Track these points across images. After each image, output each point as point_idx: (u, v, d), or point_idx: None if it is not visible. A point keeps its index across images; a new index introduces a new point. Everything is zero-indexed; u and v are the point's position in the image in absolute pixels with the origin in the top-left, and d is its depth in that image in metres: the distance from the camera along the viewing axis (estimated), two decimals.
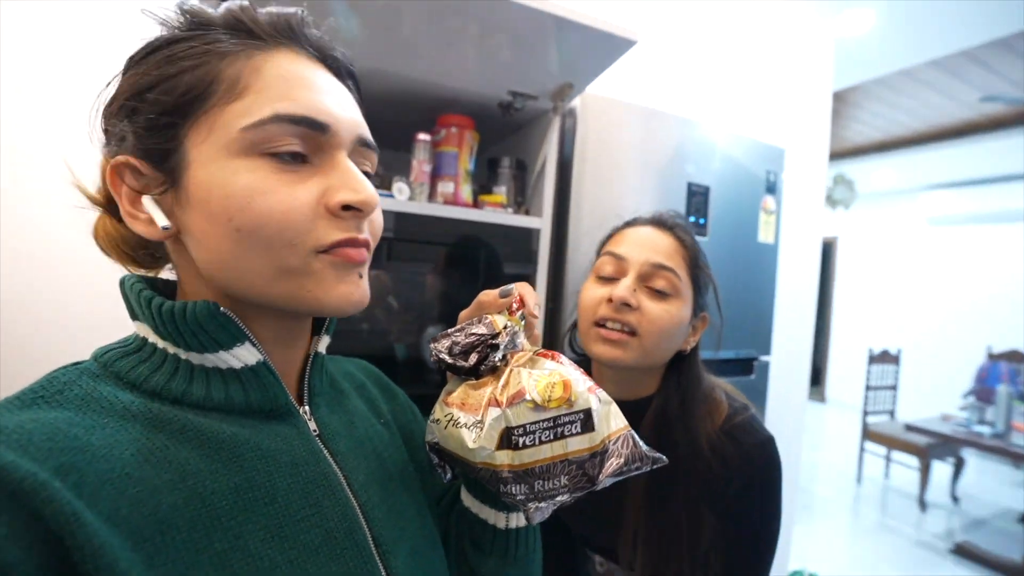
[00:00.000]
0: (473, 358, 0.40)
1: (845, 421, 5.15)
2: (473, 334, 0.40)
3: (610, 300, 0.65)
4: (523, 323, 0.42)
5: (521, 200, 1.11)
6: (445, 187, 1.02)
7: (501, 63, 0.92)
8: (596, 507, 0.71)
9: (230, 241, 0.33)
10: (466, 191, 1.04)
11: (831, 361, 5.95)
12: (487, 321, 0.41)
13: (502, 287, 0.43)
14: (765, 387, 1.41)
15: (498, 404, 0.37)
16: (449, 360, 0.40)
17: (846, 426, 4.93)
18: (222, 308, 0.34)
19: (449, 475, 0.43)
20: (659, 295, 0.66)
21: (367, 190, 0.35)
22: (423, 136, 0.99)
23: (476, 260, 1.01)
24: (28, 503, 0.24)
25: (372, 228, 0.38)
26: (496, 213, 1.02)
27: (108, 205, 0.39)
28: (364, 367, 0.55)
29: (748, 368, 1.36)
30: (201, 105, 0.34)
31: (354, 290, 0.36)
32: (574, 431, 0.37)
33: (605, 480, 0.38)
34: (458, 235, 0.99)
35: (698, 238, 1.25)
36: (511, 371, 0.39)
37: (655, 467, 0.39)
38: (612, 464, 0.38)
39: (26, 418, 0.28)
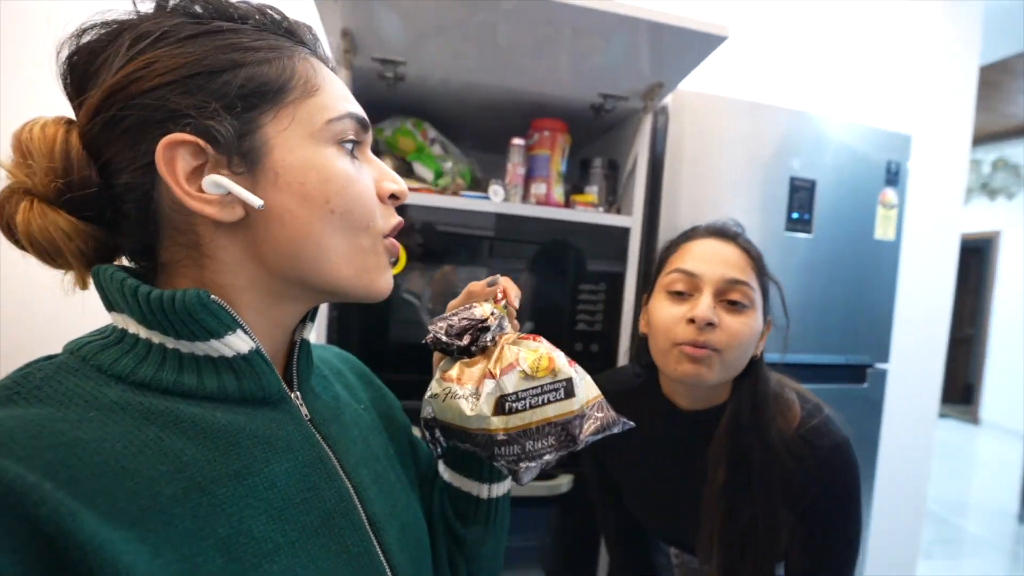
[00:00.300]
0: (466, 339, 0.45)
1: (1004, 448, 4.41)
2: (465, 318, 0.46)
3: (691, 320, 0.64)
4: (506, 311, 0.48)
5: (612, 199, 1.13)
6: (538, 188, 1.08)
7: (592, 67, 0.95)
8: (673, 504, 0.73)
9: (321, 222, 0.36)
10: (558, 192, 1.09)
11: (987, 377, 5.11)
12: (476, 307, 0.47)
13: (488, 278, 0.50)
14: (881, 397, 1.28)
15: (492, 376, 0.43)
16: (445, 340, 0.45)
17: (1006, 453, 4.22)
18: (212, 296, 0.33)
19: (441, 449, 0.47)
20: (736, 308, 0.65)
21: (401, 182, 0.42)
22: (517, 141, 1.06)
23: (566, 258, 1.06)
24: (19, 507, 0.24)
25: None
26: (587, 212, 1.05)
27: (51, 189, 0.32)
28: (340, 354, 0.56)
29: (859, 375, 1.25)
30: (285, 96, 0.36)
31: (391, 276, 0.41)
32: (559, 397, 0.44)
33: (585, 439, 0.44)
34: (550, 234, 1.04)
35: (802, 235, 1.19)
36: (502, 348, 0.45)
37: (625, 429, 0.46)
38: (591, 426, 0.45)
39: (4, 416, 0.27)
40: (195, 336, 0.33)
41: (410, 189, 1.01)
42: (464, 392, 0.44)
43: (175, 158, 0.33)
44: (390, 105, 1.15)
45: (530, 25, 0.85)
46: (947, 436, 4.71)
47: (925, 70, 1.67)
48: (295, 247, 0.36)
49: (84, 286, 0.35)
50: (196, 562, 0.29)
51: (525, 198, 1.09)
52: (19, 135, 0.33)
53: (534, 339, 0.47)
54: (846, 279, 1.22)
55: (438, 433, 0.47)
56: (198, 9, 0.35)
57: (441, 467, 0.56)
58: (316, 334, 0.99)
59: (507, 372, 0.43)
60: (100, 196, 0.34)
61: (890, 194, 1.22)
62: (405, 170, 1.13)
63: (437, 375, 0.47)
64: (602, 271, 1.07)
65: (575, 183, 1.18)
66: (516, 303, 0.50)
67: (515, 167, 1.06)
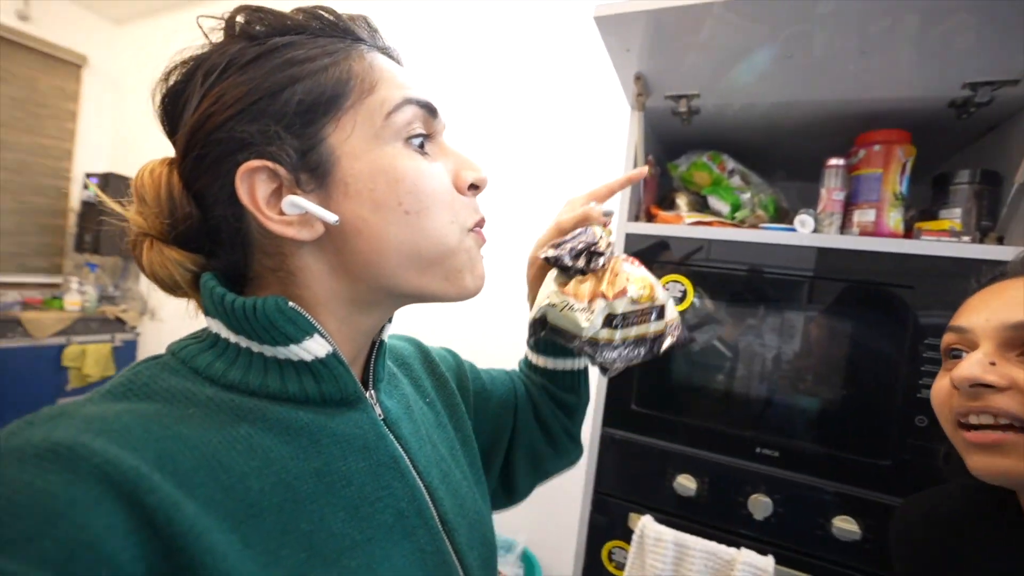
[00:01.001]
0: (581, 261, 0.53)
1: None
2: (582, 242, 0.54)
3: (956, 386, 0.49)
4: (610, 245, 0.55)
5: (988, 224, 0.83)
6: (863, 215, 0.88)
7: (952, 53, 0.73)
8: None
9: (397, 225, 0.35)
10: (893, 218, 0.86)
11: None
12: (590, 232, 0.54)
13: (604, 209, 0.57)
14: None
15: (605, 297, 0.51)
16: (568, 261, 0.53)
17: None
18: (290, 303, 0.34)
19: (539, 335, 0.56)
20: None
21: (482, 169, 0.39)
22: (835, 161, 0.89)
23: (903, 305, 0.81)
24: (133, 494, 0.25)
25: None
26: (942, 243, 0.80)
27: (163, 228, 0.35)
28: (408, 341, 0.56)
29: None
30: (343, 102, 0.35)
31: (483, 269, 0.40)
32: (654, 318, 0.54)
33: (662, 350, 0.54)
34: (882, 273, 0.83)
35: None
36: (613, 272, 0.53)
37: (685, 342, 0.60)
38: (668, 341, 0.54)
39: (121, 409, 0.29)
40: (276, 341, 0.34)
41: (700, 223, 0.98)
42: (579, 307, 0.51)
43: (253, 185, 0.34)
44: (686, 141, 1.14)
45: (857, 24, 0.71)
46: None
47: None
48: (376, 256, 0.35)
49: (206, 313, 0.37)
50: (281, 555, 0.30)
51: (844, 228, 0.90)
52: (135, 181, 0.36)
53: (633, 262, 0.55)
54: None
55: (543, 332, 0.56)
56: (258, 29, 0.35)
57: (540, 360, 0.63)
58: None
59: (618, 297, 0.51)
60: (200, 228, 0.36)
61: None
62: (700, 205, 1.10)
63: (554, 287, 0.54)
64: (941, 324, 0.78)
65: (925, 206, 0.92)
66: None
67: (830, 192, 0.89)
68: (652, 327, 0.53)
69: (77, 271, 3.14)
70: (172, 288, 0.37)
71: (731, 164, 1.08)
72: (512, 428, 0.61)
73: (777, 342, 0.92)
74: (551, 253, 0.54)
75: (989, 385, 0.47)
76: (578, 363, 0.64)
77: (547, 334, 0.55)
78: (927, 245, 0.80)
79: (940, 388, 0.53)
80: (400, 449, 0.41)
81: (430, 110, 0.38)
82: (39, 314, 2.72)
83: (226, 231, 0.36)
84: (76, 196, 3.12)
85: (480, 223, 0.40)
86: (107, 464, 0.25)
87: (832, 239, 0.85)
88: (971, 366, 0.48)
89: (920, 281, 0.80)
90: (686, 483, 0.93)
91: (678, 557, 0.88)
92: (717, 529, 0.90)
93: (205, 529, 0.27)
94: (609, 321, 0.51)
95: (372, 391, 0.42)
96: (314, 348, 0.35)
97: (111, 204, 0.36)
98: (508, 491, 0.63)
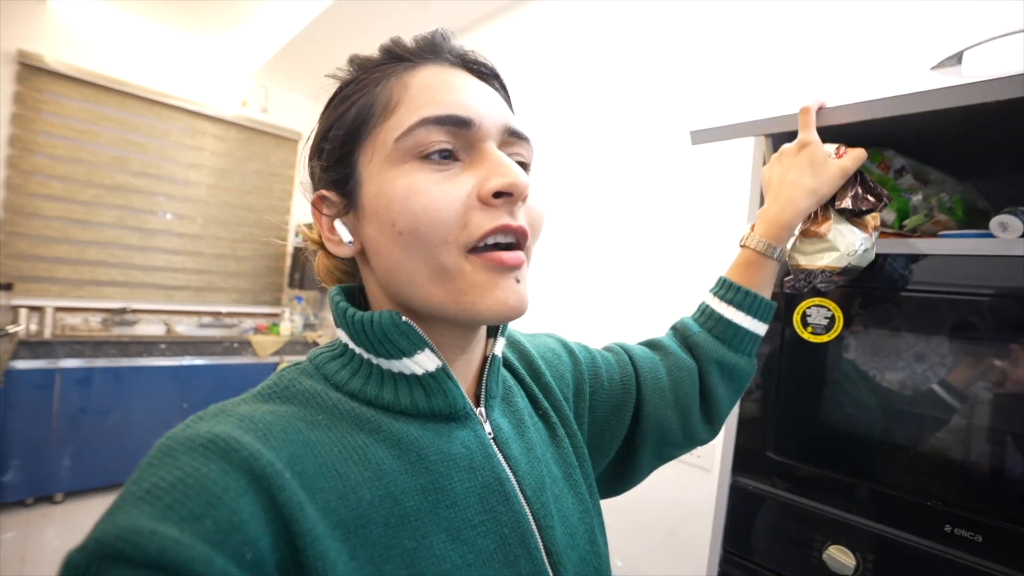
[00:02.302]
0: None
1: None
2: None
3: None
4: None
5: None
6: None
7: None
8: None
9: (396, 246, 0.35)
10: None
11: None
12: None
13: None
14: None
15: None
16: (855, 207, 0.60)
17: None
18: (403, 317, 0.36)
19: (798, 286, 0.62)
20: None
21: (515, 173, 0.35)
22: None
23: None
24: (270, 488, 0.28)
25: (530, 219, 0.38)
26: None
27: (321, 242, 0.44)
28: (539, 342, 0.54)
29: None
30: (366, 129, 0.37)
31: (510, 295, 0.35)
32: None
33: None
34: None
35: None
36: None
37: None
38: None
39: (266, 410, 0.32)
40: (390, 354, 0.36)
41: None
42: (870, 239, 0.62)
43: (319, 212, 0.40)
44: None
45: None
46: None
47: None
48: (389, 276, 0.37)
49: (337, 324, 0.42)
50: (384, 569, 0.30)
51: None
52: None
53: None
54: None
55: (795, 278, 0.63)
56: (346, 72, 0.41)
57: (740, 316, 0.59)
58: None
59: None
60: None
61: None
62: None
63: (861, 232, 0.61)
64: None
65: None
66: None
67: None
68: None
69: (289, 303, 3.86)
70: (325, 281, 0.45)
71: (899, 162, 0.87)
72: (636, 413, 0.57)
73: (970, 383, 0.69)
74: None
75: None
76: (762, 327, 0.62)
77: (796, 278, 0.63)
78: None
79: None
80: (508, 471, 0.40)
81: (455, 123, 0.36)
82: (263, 337, 3.42)
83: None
84: (291, 243, 3.88)
85: (496, 231, 0.35)
86: (251, 457, 0.28)
87: None
88: None
89: None
90: (841, 558, 0.74)
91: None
92: None
93: (320, 535, 0.28)
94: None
95: (483, 408, 0.42)
96: (424, 362, 0.37)
97: (302, 229, 0.45)
98: (623, 477, 0.60)
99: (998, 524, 0.64)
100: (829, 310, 0.80)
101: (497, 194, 0.35)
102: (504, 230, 0.35)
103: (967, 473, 0.68)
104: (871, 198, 0.58)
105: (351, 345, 0.38)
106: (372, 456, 0.34)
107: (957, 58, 0.71)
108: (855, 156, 0.59)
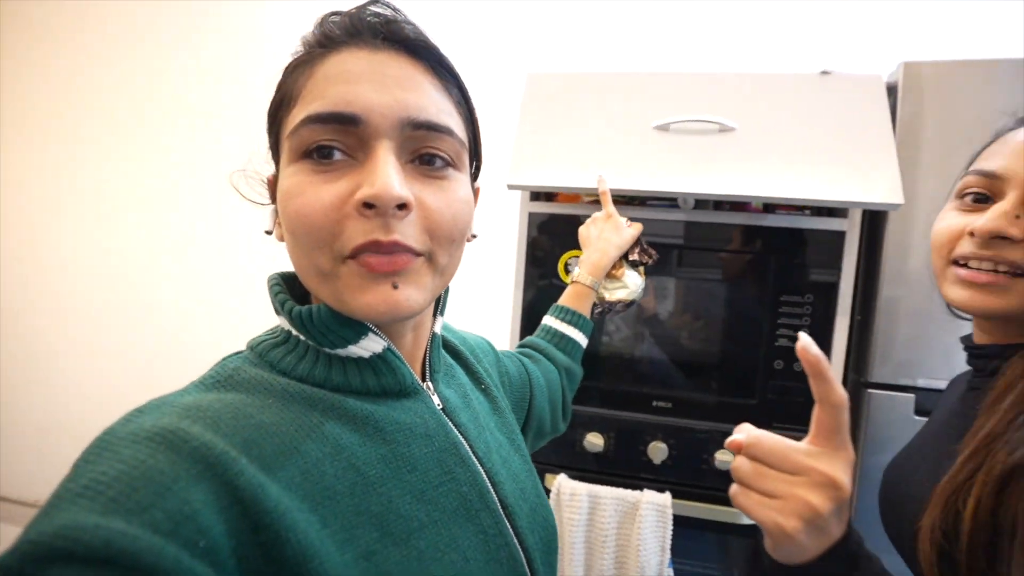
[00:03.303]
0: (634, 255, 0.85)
1: None
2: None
3: (972, 234, 0.51)
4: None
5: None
6: None
7: None
8: (909, 466, 0.59)
9: (289, 241, 0.36)
10: None
11: None
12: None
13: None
14: None
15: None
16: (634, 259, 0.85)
17: None
18: (340, 311, 0.36)
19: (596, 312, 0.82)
20: None
21: (382, 182, 0.32)
22: None
23: (767, 268, 0.97)
24: (225, 475, 0.28)
25: (428, 224, 0.36)
26: (792, 217, 0.95)
27: None
28: (462, 336, 0.58)
29: None
30: (278, 122, 0.37)
31: (380, 301, 0.34)
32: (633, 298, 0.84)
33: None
34: (750, 242, 0.97)
35: None
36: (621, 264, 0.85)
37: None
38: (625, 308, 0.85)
39: (212, 399, 0.32)
40: (335, 344, 0.37)
41: (594, 201, 1.04)
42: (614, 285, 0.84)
43: (272, 190, 0.41)
44: None
45: None
46: None
47: None
48: (295, 269, 0.38)
49: (276, 312, 0.41)
50: (356, 533, 0.32)
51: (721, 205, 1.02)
52: None
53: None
54: None
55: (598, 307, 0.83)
56: (302, 41, 0.39)
57: (576, 334, 0.78)
58: (509, 343, 1.08)
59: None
60: None
61: None
62: None
63: (610, 273, 0.84)
64: (813, 280, 0.95)
65: None
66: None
67: None
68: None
69: None
70: None
71: None
72: (528, 408, 0.67)
73: (666, 307, 1.03)
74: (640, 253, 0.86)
75: (1008, 238, 0.48)
76: (584, 339, 0.81)
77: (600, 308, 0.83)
78: (782, 219, 0.94)
79: (947, 227, 0.55)
80: (460, 436, 0.42)
81: (339, 120, 0.33)
82: None
83: None
84: None
85: (367, 248, 0.33)
86: (203, 447, 0.28)
87: (711, 214, 0.97)
88: (997, 219, 0.49)
89: (787, 245, 0.95)
90: (595, 440, 1.02)
91: (591, 507, 0.98)
92: (623, 477, 1.01)
93: (288, 509, 0.29)
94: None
95: (429, 382, 0.44)
96: (370, 345, 0.38)
97: (245, 198, 0.44)
98: None
99: (680, 395, 1.01)
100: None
101: (368, 204, 0.33)
102: (373, 247, 0.33)
103: (661, 367, 1.02)
104: (647, 255, 0.85)
105: (294, 332, 0.38)
106: (329, 433, 0.34)
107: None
108: (638, 227, 0.85)
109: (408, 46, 0.37)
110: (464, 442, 0.42)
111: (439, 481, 0.38)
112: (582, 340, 0.80)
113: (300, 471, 0.31)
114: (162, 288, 1.79)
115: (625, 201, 1.03)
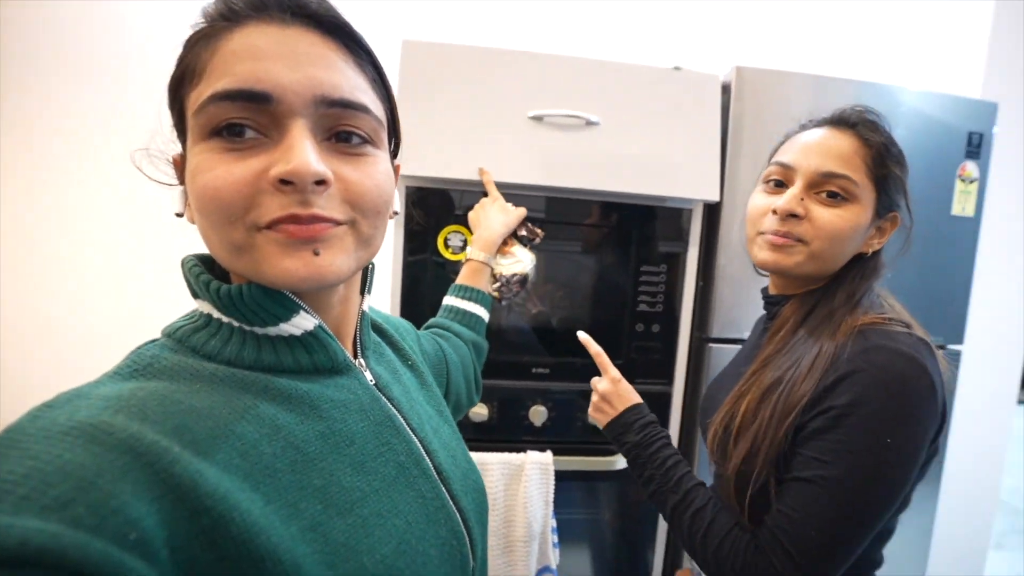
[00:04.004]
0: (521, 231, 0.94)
1: None
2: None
3: (775, 212, 0.64)
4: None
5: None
6: None
7: None
8: (716, 389, 0.78)
9: (200, 221, 0.35)
10: None
11: None
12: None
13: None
14: (955, 379, 1.24)
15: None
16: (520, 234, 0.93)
17: None
18: (272, 288, 0.35)
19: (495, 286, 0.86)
20: (831, 200, 0.63)
21: (299, 158, 0.32)
22: None
23: (628, 239, 1.07)
24: (156, 465, 0.27)
25: (350, 196, 0.36)
26: (647, 197, 1.06)
27: None
28: (386, 317, 0.60)
29: None
30: (182, 96, 0.35)
31: (300, 267, 0.34)
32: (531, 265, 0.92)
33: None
34: (609, 216, 1.06)
35: None
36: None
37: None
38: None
39: (133, 387, 0.31)
40: (265, 322, 0.36)
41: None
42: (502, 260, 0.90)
43: (180, 171, 0.39)
44: None
45: None
46: None
47: (1012, 30, 1.56)
48: (207, 248, 0.36)
49: (194, 295, 0.38)
50: (300, 507, 0.32)
51: None
52: None
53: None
54: (918, 256, 1.17)
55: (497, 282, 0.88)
56: (202, 12, 0.36)
57: (478, 308, 0.82)
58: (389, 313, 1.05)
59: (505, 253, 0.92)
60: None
61: (970, 167, 1.16)
62: None
63: (500, 248, 0.91)
64: (663, 251, 1.08)
65: None
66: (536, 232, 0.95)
67: None
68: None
69: None
70: None
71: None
72: (447, 384, 0.68)
73: (541, 280, 1.09)
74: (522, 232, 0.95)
75: (796, 215, 0.63)
76: (484, 313, 0.84)
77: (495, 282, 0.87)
78: (640, 196, 1.05)
79: (757, 205, 0.68)
80: (393, 409, 0.44)
81: (249, 97, 0.32)
82: None
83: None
84: None
85: (284, 220, 0.33)
86: (131, 439, 0.27)
87: (574, 192, 1.04)
88: (790, 201, 0.63)
89: (642, 219, 1.06)
90: (479, 411, 1.05)
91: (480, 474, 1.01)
92: (508, 442, 1.07)
93: (229, 490, 0.29)
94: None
95: (361, 359, 0.45)
96: (301, 323, 0.37)
97: (146, 175, 0.40)
98: None
99: (556, 360, 1.08)
100: (463, 235, 1.05)
101: (284, 181, 0.32)
102: (292, 219, 0.33)
103: (539, 335, 1.08)
104: (533, 233, 0.95)
105: (216, 315, 0.37)
106: (264, 414, 0.34)
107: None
108: (522, 209, 0.94)
109: (319, 22, 0.35)
110: (398, 414, 0.44)
111: (377, 452, 0.40)
112: (484, 314, 0.83)
113: (237, 452, 0.31)
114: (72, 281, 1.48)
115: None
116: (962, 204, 1.18)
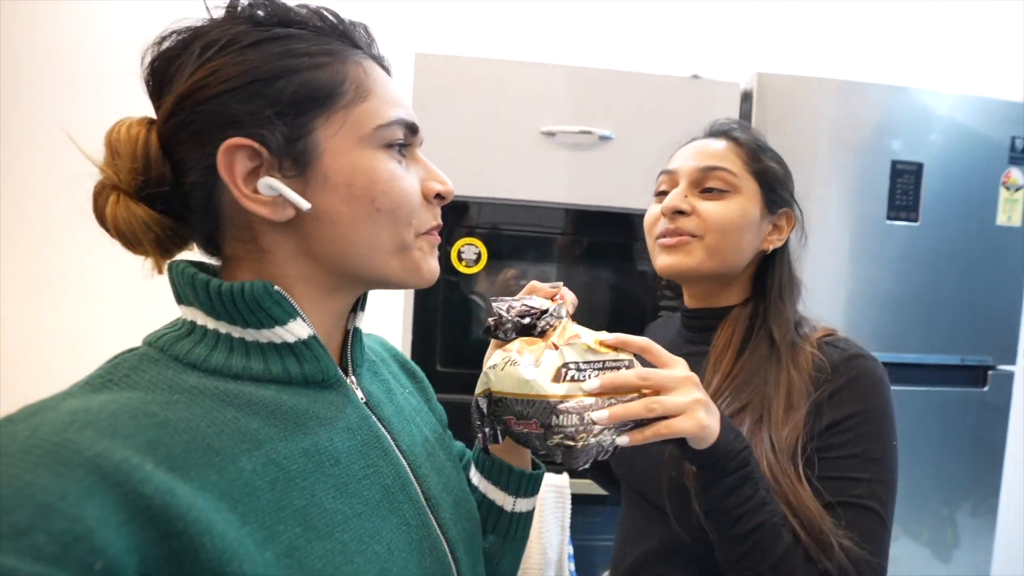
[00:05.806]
0: (527, 320, 0.47)
1: None
2: (527, 305, 0.48)
3: (664, 213, 0.66)
4: (563, 309, 0.49)
5: None
6: None
7: None
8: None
9: (367, 220, 0.38)
10: None
11: None
12: (538, 299, 0.49)
13: (552, 283, 0.54)
14: (1007, 404, 1.15)
15: (555, 347, 0.43)
16: (508, 318, 0.47)
17: None
18: (276, 287, 0.36)
19: (486, 435, 0.46)
20: (714, 194, 0.65)
21: (448, 181, 0.43)
22: None
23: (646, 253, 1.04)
24: (125, 485, 0.25)
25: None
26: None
27: (133, 185, 0.35)
28: (382, 343, 0.58)
29: (979, 378, 1.12)
30: (337, 101, 0.37)
31: (437, 267, 0.44)
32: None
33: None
34: (627, 228, 1.03)
35: (905, 223, 1.09)
36: (564, 325, 0.46)
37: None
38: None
39: (104, 400, 0.29)
40: (261, 324, 0.36)
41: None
42: (524, 360, 0.43)
43: (234, 161, 0.35)
44: None
45: None
46: None
47: None
48: (344, 244, 0.38)
49: (160, 271, 0.38)
50: (278, 530, 0.31)
51: None
52: (109, 135, 0.36)
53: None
54: (960, 270, 1.10)
55: (486, 417, 0.46)
56: (261, 15, 0.37)
57: (472, 471, 0.57)
58: (402, 329, 1.03)
59: (570, 342, 0.43)
60: (173, 192, 0.36)
61: (1015, 174, 1.09)
62: None
63: (497, 347, 0.48)
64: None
65: None
66: (572, 309, 0.52)
67: None
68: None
69: None
70: (132, 243, 0.36)
71: None
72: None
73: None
74: (492, 317, 0.48)
75: (683, 212, 0.64)
76: (506, 499, 0.55)
77: (492, 421, 0.46)
78: None
79: (649, 215, 0.70)
80: (383, 429, 0.42)
81: (413, 129, 0.41)
82: None
83: (197, 199, 0.37)
84: None
85: (436, 228, 0.43)
86: (98, 457, 0.25)
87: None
88: (675, 198, 0.65)
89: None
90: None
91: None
92: None
93: (203, 510, 0.27)
94: (562, 373, 0.41)
95: (352, 376, 0.44)
96: (297, 330, 0.37)
97: (84, 153, 0.36)
98: None
99: None
100: (476, 247, 1.03)
101: (440, 196, 0.43)
102: (436, 229, 0.43)
103: None
104: (524, 321, 0.61)
105: (202, 321, 0.36)
106: (245, 428, 0.33)
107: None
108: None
109: (388, 70, 0.43)
110: (387, 435, 0.42)
111: (363, 474, 0.38)
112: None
113: (215, 468, 0.30)
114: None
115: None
116: (1008, 213, 1.10)
